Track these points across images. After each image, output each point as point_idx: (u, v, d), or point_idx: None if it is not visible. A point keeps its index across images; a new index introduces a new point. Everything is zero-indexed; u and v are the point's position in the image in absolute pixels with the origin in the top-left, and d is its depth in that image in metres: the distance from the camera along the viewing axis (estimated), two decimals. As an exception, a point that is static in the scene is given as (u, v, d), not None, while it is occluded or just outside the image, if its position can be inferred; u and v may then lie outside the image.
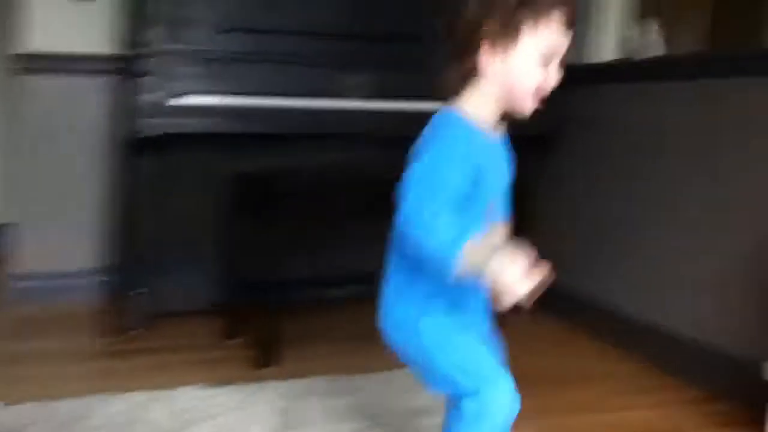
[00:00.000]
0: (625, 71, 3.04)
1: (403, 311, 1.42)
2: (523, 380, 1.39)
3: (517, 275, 1.22)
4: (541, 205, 3.31)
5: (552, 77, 1.39)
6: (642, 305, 2.81)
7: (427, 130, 1.38)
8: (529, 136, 2.56)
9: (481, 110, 1.40)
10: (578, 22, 1.40)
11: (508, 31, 1.35)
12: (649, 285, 2.79)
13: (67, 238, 2.98)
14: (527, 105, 1.40)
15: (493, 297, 1.28)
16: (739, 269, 2.38)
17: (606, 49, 3.20)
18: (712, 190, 2.54)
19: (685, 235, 2.63)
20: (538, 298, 1.23)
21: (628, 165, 2.95)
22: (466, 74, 1.39)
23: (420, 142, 1.36)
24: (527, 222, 2.73)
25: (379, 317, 1.46)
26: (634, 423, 2.17)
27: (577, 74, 2.92)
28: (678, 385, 2.48)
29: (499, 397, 1.34)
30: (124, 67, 2.67)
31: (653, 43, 3.02)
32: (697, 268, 2.58)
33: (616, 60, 3.16)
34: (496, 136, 1.44)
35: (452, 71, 1.40)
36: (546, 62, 1.38)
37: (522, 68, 1.37)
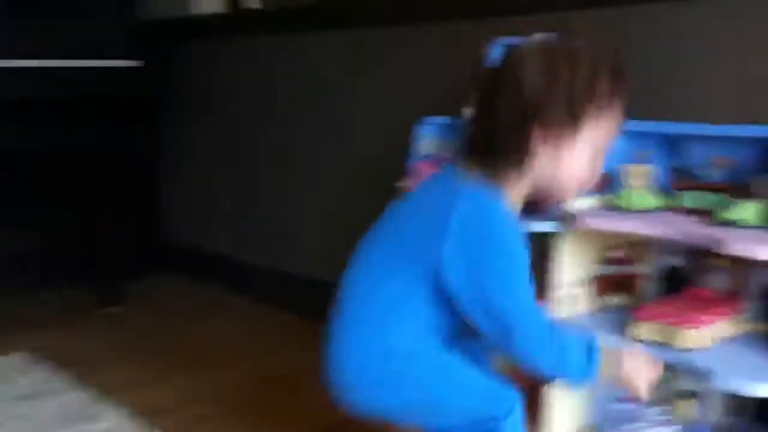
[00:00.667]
0: (230, 22, 3.20)
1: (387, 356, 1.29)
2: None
3: (645, 373, 1.34)
4: (166, 169, 3.53)
5: (600, 169, 1.33)
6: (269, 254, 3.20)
7: (469, 221, 1.24)
8: (135, 98, 2.72)
9: (515, 194, 1.32)
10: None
11: (569, 122, 1.26)
12: (271, 236, 3.19)
13: None
14: (567, 197, 1.35)
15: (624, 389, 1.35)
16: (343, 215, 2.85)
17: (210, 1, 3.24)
18: (313, 148, 2.93)
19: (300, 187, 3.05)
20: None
21: (244, 123, 3.18)
22: (508, 157, 1.27)
23: (466, 237, 1.23)
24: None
25: (334, 369, 1.33)
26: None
27: (184, 28, 3.19)
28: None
29: (518, 408, 1.36)
30: None
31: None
32: (310, 217, 3.04)
33: (225, 12, 3.23)
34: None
35: (492, 149, 1.27)
36: (598, 155, 1.32)
37: (574, 162, 1.29)
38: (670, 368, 1.91)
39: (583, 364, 1.27)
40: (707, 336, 1.67)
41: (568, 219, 1.81)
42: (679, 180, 1.82)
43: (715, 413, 1.85)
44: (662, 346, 1.68)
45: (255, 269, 3.32)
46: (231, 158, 3.41)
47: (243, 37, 3.20)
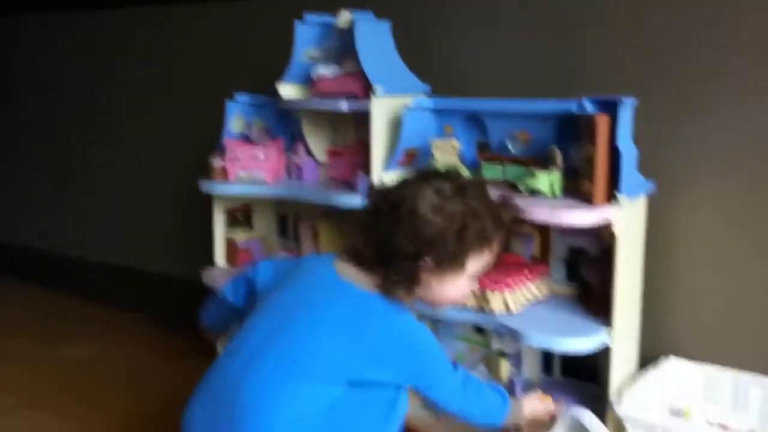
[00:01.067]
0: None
1: None
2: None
3: (545, 414, 1.58)
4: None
5: (474, 287, 1.54)
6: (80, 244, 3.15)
7: (395, 338, 1.37)
8: None
9: (408, 305, 1.46)
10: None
11: (457, 262, 1.42)
12: (85, 225, 3.14)
13: None
14: (444, 309, 1.53)
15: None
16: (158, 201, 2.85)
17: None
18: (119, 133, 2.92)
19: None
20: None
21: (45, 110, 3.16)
22: (399, 280, 1.39)
23: (397, 351, 1.36)
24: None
25: None
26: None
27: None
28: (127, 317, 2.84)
29: None
30: None
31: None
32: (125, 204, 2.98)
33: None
34: None
35: (385, 270, 1.39)
36: (474, 281, 1.50)
37: (454, 290, 1.47)
38: (484, 331, 2.01)
39: (503, 412, 1.54)
40: (516, 299, 1.75)
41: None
42: (484, 154, 1.89)
43: (526, 371, 1.95)
44: (476, 310, 1.75)
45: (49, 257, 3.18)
46: (34, 146, 3.24)
47: (38, 15, 3.08)
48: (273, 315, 1.42)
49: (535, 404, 1.60)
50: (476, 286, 1.57)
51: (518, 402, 1.57)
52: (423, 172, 1.51)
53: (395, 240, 1.38)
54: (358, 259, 1.44)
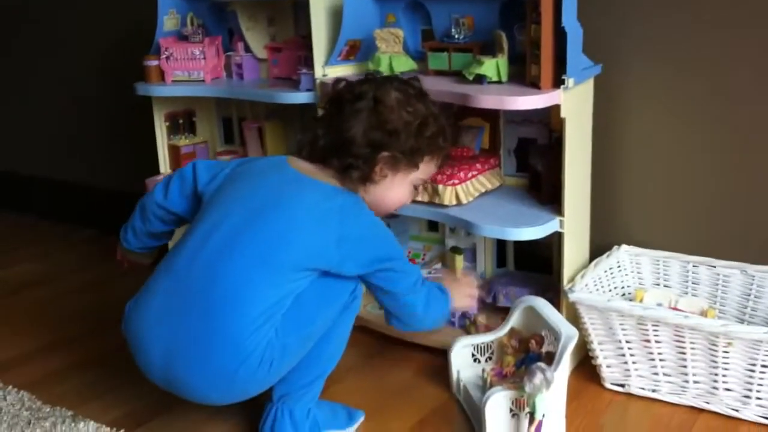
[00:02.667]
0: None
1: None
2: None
3: (468, 291, 1.61)
4: None
5: (411, 197, 1.56)
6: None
7: (364, 229, 1.40)
8: None
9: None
10: None
11: (409, 163, 1.46)
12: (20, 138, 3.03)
13: None
14: (382, 216, 1.50)
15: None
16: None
17: None
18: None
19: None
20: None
21: None
22: (355, 176, 1.42)
23: (367, 241, 1.39)
24: None
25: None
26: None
27: None
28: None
29: None
30: None
31: None
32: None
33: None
34: None
35: (342, 165, 1.41)
36: (414, 190, 1.55)
37: (397, 194, 1.50)
38: (437, 228, 1.99)
39: (447, 310, 1.54)
40: (468, 191, 1.72)
41: (322, 88, 1.78)
42: (429, 42, 1.83)
43: (481, 266, 1.94)
44: (428, 204, 1.73)
45: None
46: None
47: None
48: (237, 210, 1.39)
49: (460, 289, 1.61)
50: (414, 197, 1.59)
51: (453, 292, 1.57)
52: (384, 75, 1.56)
53: (358, 128, 1.41)
54: (313, 152, 1.45)
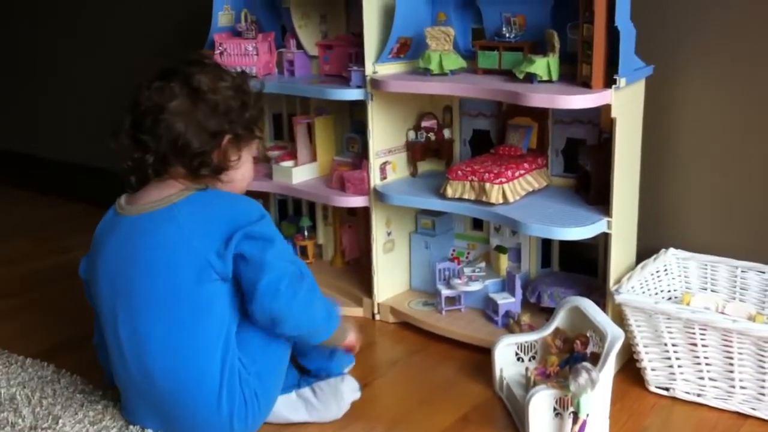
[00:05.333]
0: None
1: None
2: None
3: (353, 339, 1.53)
4: None
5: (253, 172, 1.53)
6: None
7: (226, 209, 1.38)
8: None
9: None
10: None
11: (247, 137, 1.45)
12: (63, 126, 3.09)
13: None
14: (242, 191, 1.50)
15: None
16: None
17: None
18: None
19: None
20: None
21: None
22: (209, 165, 1.39)
23: (197, 221, 1.35)
24: None
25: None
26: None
27: None
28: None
29: None
30: None
31: None
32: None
33: None
34: None
35: (195, 167, 1.38)
36: (252, 165, 1.52)
37: (248, 168, 1.49)
38: (482, 228, 2.00)
39: (331, 324, 1.46)
40: (515, 190, 1.72)
41: (373, 85, 1.80)
42: (479, 41, 1.83)
43: (525, 266, 1.94)
44: (475, 203, 1.73)
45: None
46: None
47: None
48: (112, 296, 1.40)
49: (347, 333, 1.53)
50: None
51: (344, 327, 1.51)
52: (171, 68, 1.43)
53: (188, 127, 1.36)
54: (145, 177, 1.41)
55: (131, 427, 1.47)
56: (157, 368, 1.36)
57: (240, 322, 1.40)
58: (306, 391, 1.53)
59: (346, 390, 1.54)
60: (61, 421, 1.50)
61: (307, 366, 1.57)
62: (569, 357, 1.55)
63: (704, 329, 1.49)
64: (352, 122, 2.13)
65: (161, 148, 1.37)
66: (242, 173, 1.47)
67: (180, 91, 1.38)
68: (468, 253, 2.04)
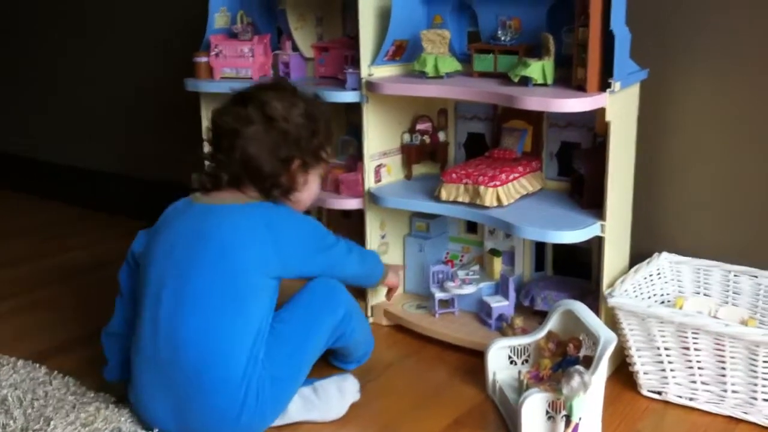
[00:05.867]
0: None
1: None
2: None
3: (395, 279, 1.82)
4: None
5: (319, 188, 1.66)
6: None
7: (279, 222, 1.47)
8: None
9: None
10: None
11: (317, 162, 1.57)
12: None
13: None
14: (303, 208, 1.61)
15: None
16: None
17: None
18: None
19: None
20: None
21: None
22: (281, 188, 1.50)
23: (281, 230, 1.46)
24: None
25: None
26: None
27: None
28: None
29: None
30: None
31: None
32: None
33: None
34: None
35: (267, 188, 1.49)
36: (320, 183, 1.65)
37: (314, 187, 1.60)
38: (476, 231, 2.00)
39: (381, 269, 1.76)
40: (509, 193, 1.73)
41: (368, 88, 1.80)
42: (475, 44, 1.84)
43: (519, 269, 1.95)
44: (469, 205, 1.73)
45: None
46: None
47: None
48: (168, 265, 1.44)
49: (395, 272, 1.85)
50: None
51: (388, 267, 1.79)
52: (255, 88, 1.57)
53: (261, 152, 1.46)
54: (219, 185, 1.50)
55: (123, 429, 1.46)
56: (190, 340, 1.38)
57: (275, 323, 1.45)
58: (307, 389, 1.53)
59: (349, 389, 1.57)
60: (52, 423, 1.49)
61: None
62: (562, 360, 1.55)
63: (697, 333, 1.49)
64: (347, 124, 2.13)
65: (234, 169, 1.47)
66: (308, 194, 1.59)
67: (255, 118, 1.48)
68: (462, 256, 2.04)
